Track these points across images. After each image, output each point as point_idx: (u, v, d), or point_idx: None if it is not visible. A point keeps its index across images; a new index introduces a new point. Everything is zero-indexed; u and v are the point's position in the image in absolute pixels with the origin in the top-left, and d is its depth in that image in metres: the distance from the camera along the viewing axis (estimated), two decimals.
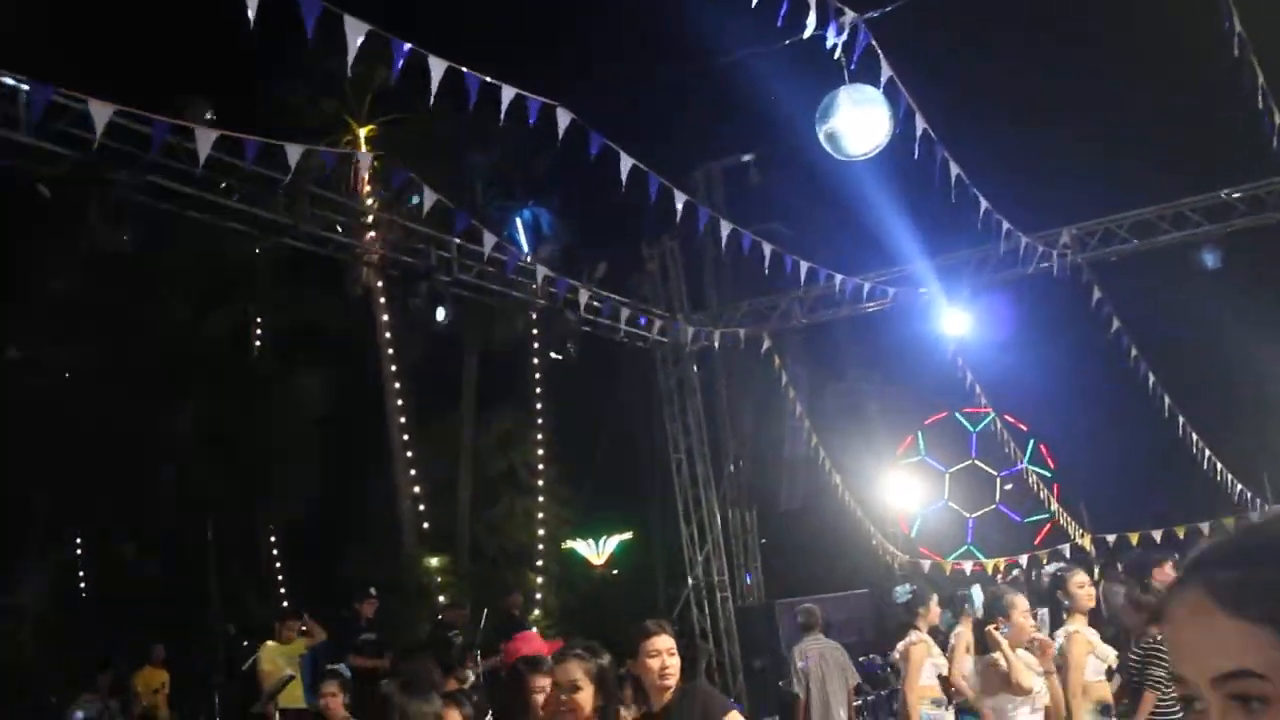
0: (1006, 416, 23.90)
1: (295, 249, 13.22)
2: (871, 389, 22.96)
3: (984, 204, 11.43)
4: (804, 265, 12.69)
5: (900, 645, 8.15)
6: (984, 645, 5.44)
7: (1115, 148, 18.10)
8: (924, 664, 7.94)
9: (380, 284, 20.23)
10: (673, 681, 4.63)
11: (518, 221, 22.02)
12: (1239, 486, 17.11)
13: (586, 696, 4.30)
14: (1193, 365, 18.60)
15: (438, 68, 8.99)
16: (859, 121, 9.00)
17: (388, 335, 20.83)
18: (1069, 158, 17.81)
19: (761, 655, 15.50)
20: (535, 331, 20.69)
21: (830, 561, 19.73)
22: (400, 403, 21.04)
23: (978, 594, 7.37)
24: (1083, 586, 6.13)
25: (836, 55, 8.87)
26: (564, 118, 10.11)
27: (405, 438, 21.08)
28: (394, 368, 20.90)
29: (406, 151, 16.92)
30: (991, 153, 12.06)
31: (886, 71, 9.31)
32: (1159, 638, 7.14)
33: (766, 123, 16.65)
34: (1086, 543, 18.92)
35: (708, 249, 16.52)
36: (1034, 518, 25.53)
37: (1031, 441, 24.32)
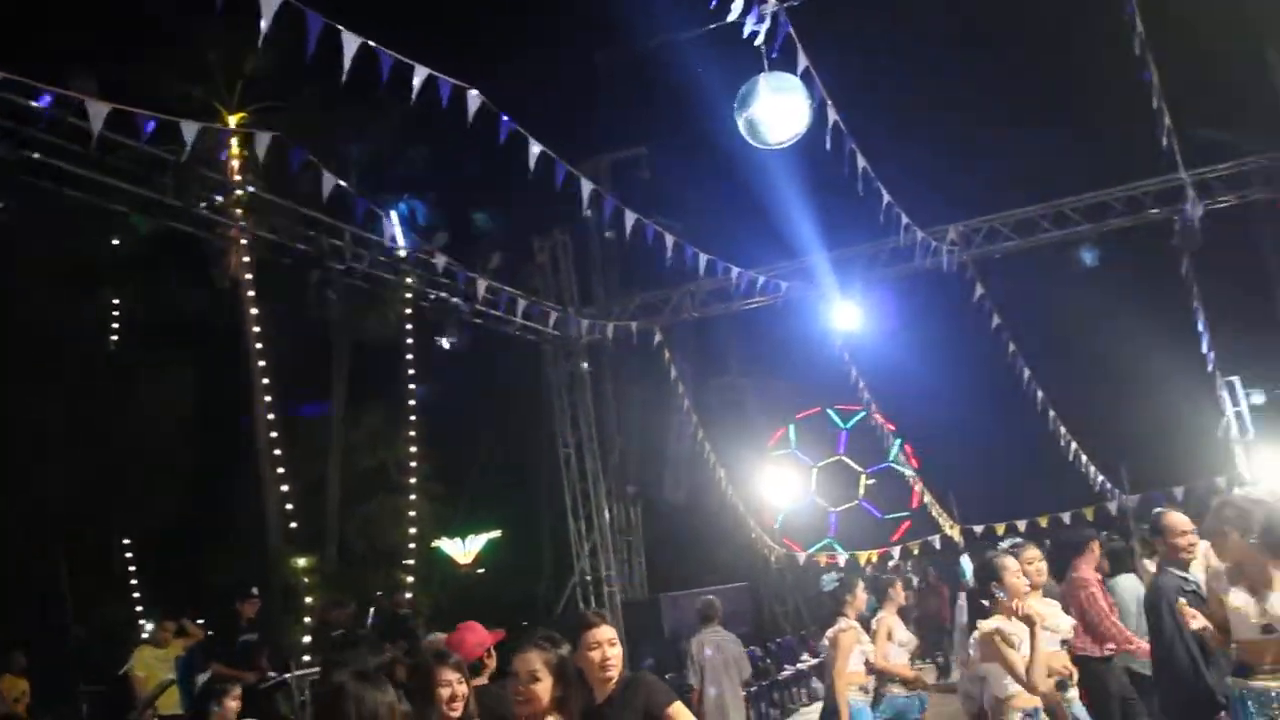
0: (876, 416, 24.54)
1: (162, 234, 12.67)
2: (751, 383, 23.21)
3: (886, 197, 11.63)
4: (703, 257, 12.71)
5: (830, 632, 8.17)
6: (981, 612, 5.47)
7: (1004, 147, 18.65)
8: (853, 650, 7.99)
9: (249, 276, 19.55)
10: (614, 673, 4.63)
11: (392, 214, 21.52)
12: (1100, 478, 17.79)
13: (545, 687, 4.26)
14: (1065, 360, 19.29)
15: (351, 44, 8.76)
16: (778, 109, 9.04)
17: (256, 329, 20.11)
18: (961, 155, 18.30)
19: (647, 648, 15.49)
20: (409, 326, 20.30)
21: (711, 555, 19.87)
22: (269, 397, 20.33)
23: (967, 563, 7.45)
24: (1032, 563, 6.25)
25: (758, 43, 8.89)
26: (474, 101, 9.96)
27: (273, 434, 20.40)
28: (262, 362, 20.19)
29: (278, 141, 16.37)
30: (889, 147, 12.24)
31: (803, 61, 9.40)
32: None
33: (655, 116, 16.70)
34: (955, 534, 19.47)
35: (596, 243, 16.49)
36: (893, 515, 26.18)
37: (897, 442, 24.93)
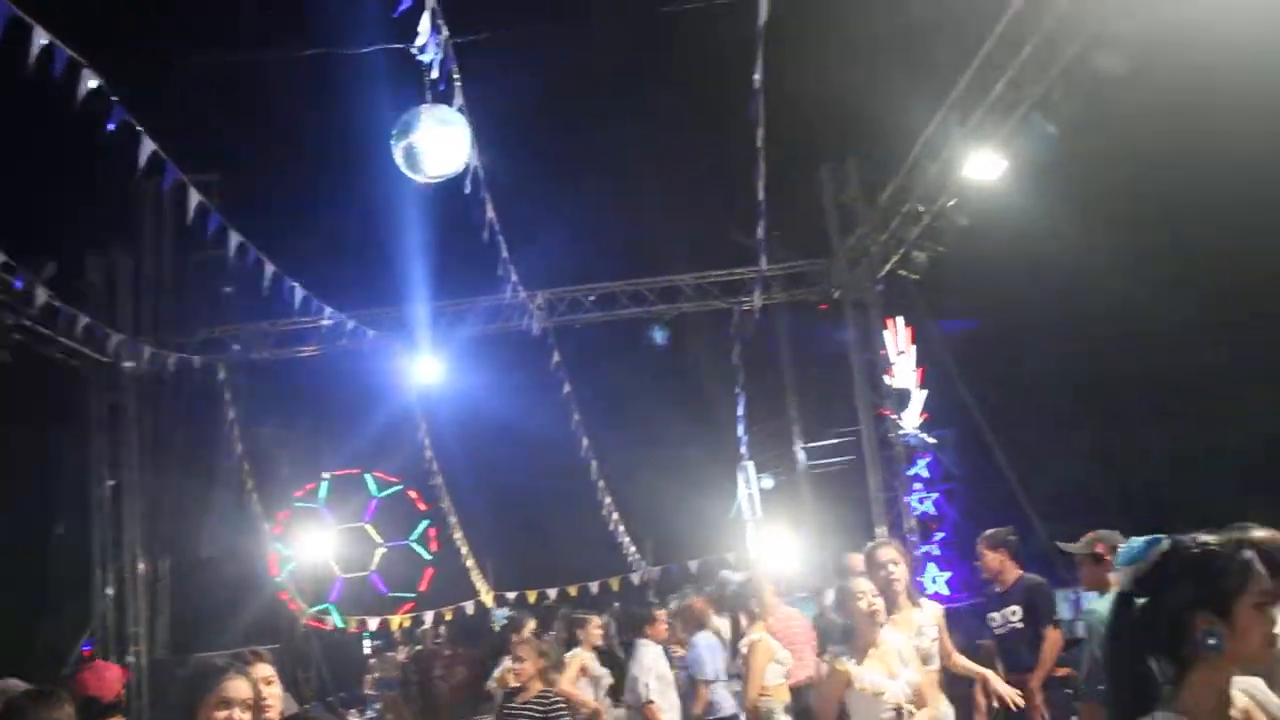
0: (410, 492, 24.36)
1: None
2: (302, 432, 22.02)
3: (504, 252, 11.66)
4: (299, 292, 12.02)
5: (497, 673, 7.92)
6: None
7: (606, 221, 19.27)
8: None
9: None
10: (274, 714, 4.78)
11: None
12: (633, 549, 18.71)
13: None
14: (621, 434, 20.08)
15: None
16: (441, 142, 8.83)
17: None
18: (562, 224, 18.54)
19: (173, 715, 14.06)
20: None
21: (241, 613, 18.43)
22: None
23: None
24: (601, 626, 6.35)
25: (434, 74, 8.72)
26: (88, 81, 8.92)
27: None
28: None
29: None
30: (506, 205, 12.20)
31: (459, 99, 9.30)
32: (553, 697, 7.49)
33: (231, 142, 15.73)
34: (489, 600, 19.58)
35: (151, 266, 15.13)
36: (398, 594, 25.77)
37: (424, 524, 24.88)
